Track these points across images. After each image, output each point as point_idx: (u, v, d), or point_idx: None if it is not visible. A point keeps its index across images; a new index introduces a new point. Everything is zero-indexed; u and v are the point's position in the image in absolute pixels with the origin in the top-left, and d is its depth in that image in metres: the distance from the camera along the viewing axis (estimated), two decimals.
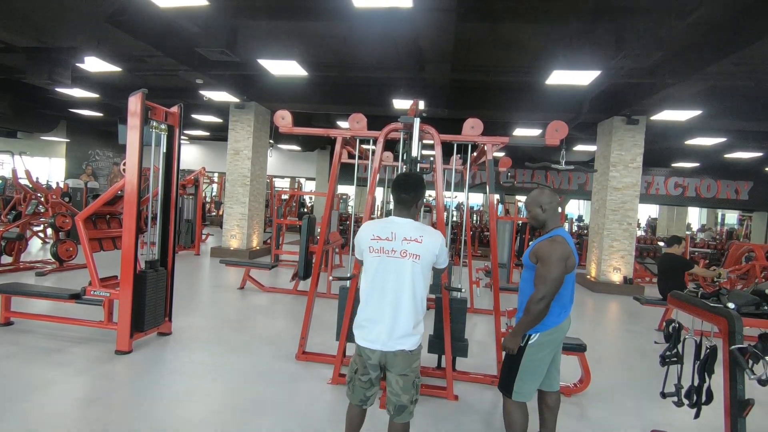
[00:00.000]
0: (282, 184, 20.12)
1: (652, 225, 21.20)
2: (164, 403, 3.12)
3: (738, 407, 2.18)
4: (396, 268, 2.09)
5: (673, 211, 19.08)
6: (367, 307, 2.15)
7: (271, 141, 10.88)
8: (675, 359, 2.68)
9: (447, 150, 3.98)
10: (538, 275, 2.32)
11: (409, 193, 2.18)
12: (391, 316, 2.08)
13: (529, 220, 2.58)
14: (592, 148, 10.48)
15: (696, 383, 2.52)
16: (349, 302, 3.59)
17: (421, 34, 5.70)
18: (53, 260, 7.11)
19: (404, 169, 3.70)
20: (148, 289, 4.02)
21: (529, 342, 2.38)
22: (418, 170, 3.45)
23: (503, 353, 2.51)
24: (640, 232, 18.72)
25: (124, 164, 3.95)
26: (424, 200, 2.32)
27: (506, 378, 2.46)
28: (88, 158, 16.82)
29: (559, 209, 2.63)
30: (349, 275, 3.67)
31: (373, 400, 2.26)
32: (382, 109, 8.70)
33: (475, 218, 17.65)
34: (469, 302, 5.53)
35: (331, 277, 4.22)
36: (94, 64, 6.92)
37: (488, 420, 3.18)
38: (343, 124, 10.74)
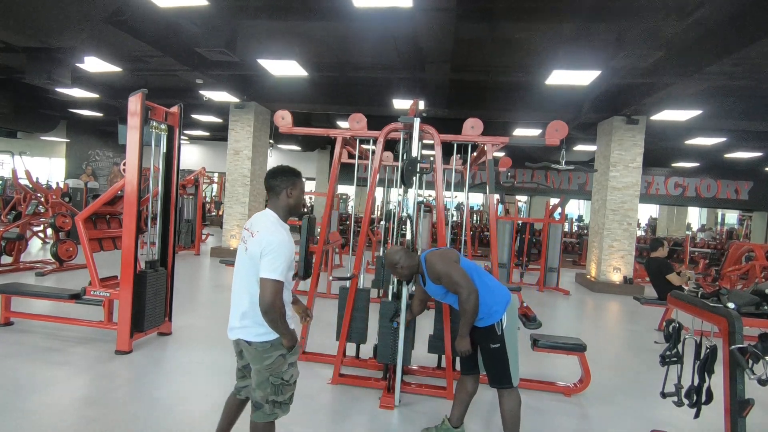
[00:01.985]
0: None
1: (652, 225, 21.20)
2: (164, 403, 3.12)
3: (738, 407, 2.18)
4: (239, 257, 2.14)
5: (673, 211, 19.08)
6: None
7: (271, 141, 10.89)
8: (675, 359, 2.68)
9: (447, 150, 3.98)
10: (449, 285, 2.56)
11: (276, 179, 2.14)
12: (232, 305, 2.14)
13: (400, 279, 2.94)
14: (592, 148, 10.48)
15: (696, 383, 2.52)
16: (349, 302, 3.59)
17: (421, 33, 5.70)
18: (53, 260, 7.11)
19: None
20: (148, 289, 4.02)
21: (504, 327, 2.54)
22: (418, 170, 3.45)
23: (483, 356, 2.65)
24: (640, 232, 18.74)
25: (124, 164, 3.96)
26: (303, 189, 2.23)
27: (500, 372, 2.56)
28: (88, 158, 16.82)
29: (411, 252, 2.92)
30: (349, 275, 3.67)
31: (246, 393, 2.29)
32: (382, 109, 8.70)
33: (475, 218, 17.66)
34: None
35: (331, 277, 4.23)
36: (94, 64, 6.93)
37: (488, 420, 3.18)
38: (343, 124, 10.73)
